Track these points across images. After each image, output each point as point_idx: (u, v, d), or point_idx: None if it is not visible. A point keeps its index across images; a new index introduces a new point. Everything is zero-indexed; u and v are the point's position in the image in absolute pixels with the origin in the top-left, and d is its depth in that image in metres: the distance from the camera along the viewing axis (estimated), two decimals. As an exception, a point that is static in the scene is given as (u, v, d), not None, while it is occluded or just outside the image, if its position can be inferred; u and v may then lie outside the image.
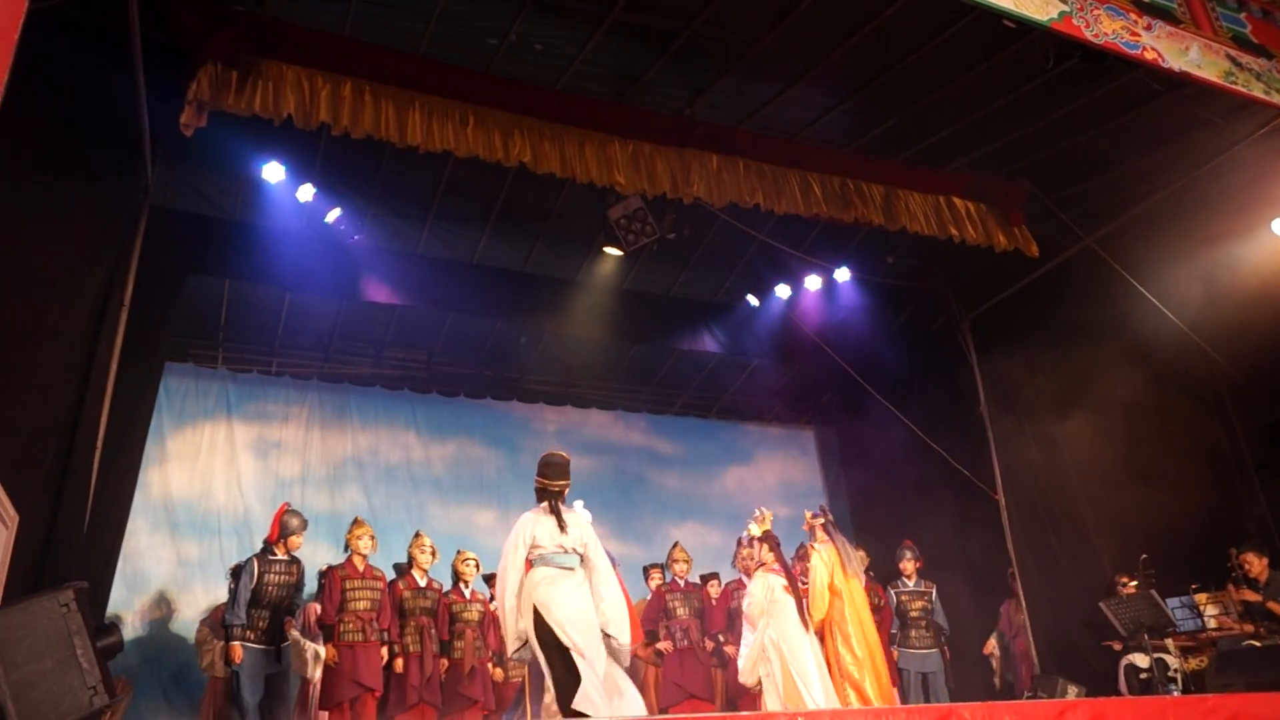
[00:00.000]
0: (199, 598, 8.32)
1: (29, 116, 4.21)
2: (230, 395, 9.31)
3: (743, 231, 8.30)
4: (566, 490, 5.27)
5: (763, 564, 6.57)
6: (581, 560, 5.01)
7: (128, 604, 8.06)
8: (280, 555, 6.40)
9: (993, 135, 7.64)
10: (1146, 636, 6.23)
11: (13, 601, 2.97)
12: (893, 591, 7.98)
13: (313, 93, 5.82)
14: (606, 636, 4.79)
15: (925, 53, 6.55)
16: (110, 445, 6.05)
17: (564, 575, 4.88)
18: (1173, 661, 6.52)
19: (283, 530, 6.44)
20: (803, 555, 6.85)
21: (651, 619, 7.88)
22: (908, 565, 8.01)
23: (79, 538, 5.46)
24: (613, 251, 8.42)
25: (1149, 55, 5.37)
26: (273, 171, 7.26)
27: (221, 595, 7.56)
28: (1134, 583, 6.97)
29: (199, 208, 7.74)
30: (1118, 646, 7.02)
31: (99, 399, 5.83)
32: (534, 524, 5.03)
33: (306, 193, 7.49)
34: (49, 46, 4.33)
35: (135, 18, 5.01)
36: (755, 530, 6.79)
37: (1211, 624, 6.74)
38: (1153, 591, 6.39)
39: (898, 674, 7.63)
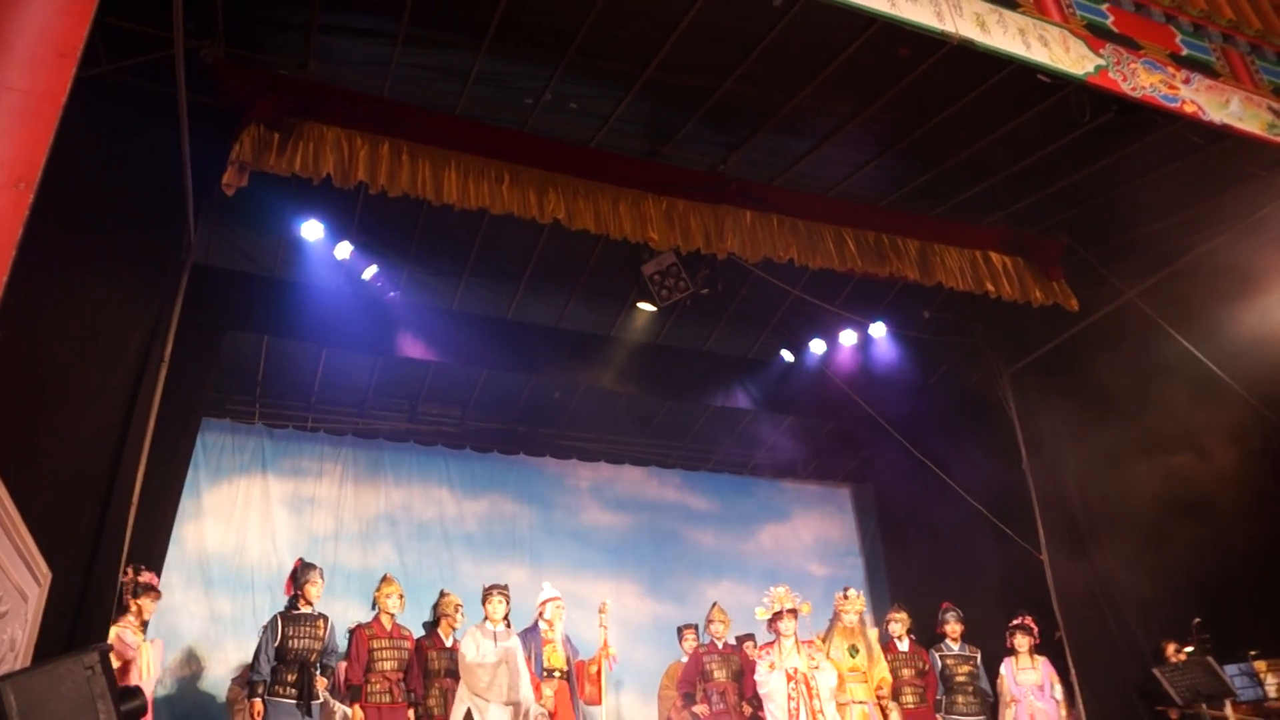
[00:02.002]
0: (230, 655, 8.27)
1: (77, 178, 4.31)
2: (266, 451, 9.36)
3: (777, 287, 8.27)
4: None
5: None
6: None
7: (160, 661, 8.02)
8: (303, 610, 6.36)
9: (1029, 189, 7.59)
10: (1205, 706, 5.96)
11: (38, 663, 2.94)
12: (937, 655, 7.72)
13: (351, 152, 5.92)
14: None
15: (960, 107, 6.54)
16: (146, 500, 6.08)
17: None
18: (1234, 732, 6.23)
19: (295, 583, 6.42)
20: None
21: (689, 681, 7.69)
22: (953, 628, 7.77)
23: (112, 595, 5.45)
24: (646, 307, 8.41)
25: (1188, 108, 5.31)
26: (311, 230, 7.37)
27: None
28: (1186, 648, 6.69)
29: (239, 265, 7.87)
30: (1174, 715, 6.72)
31: (136, 454, 5.87)
32: None
33: (344, 250, 7.59)
34: (98, 110, 4.46)
35: (182, 83, 5.15)
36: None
37: (1273, 693, 6.45)
38: (1209, 658, 6.13)
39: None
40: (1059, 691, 7.46)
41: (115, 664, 5.22)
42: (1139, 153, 6.88)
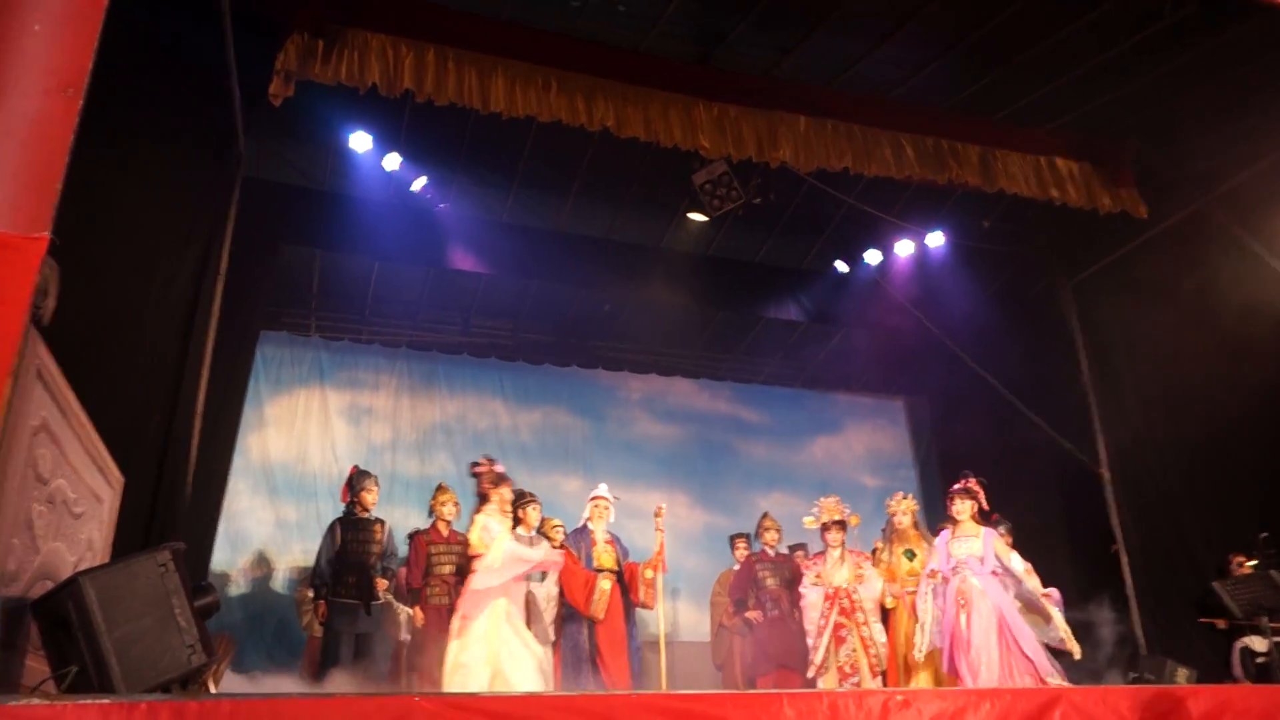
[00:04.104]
0: (297, 558, 8.59)
1: (123, 92, 4.30)
2: (323, 363, 9.55)
3: (831, 195, 8.06)
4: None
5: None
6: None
7: (231, 563, 8.39)
8: (360, 515, 6.55)
9: (1100, 90, 7.21)
10: (1265, 619, 5.89)
11: (114, 561, 3.07)
12: (987, 567, 7.71)
13: (396, 60, 5.85)
14: None
15: (1027, 2, 6.19)
16: (210, 411, 6.26)
17: None
18: (1293, 646, 6.16)
19: (352, 491, 6.59)
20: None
21: (741, 589, 7.81)
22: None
23: (182, 500, 5.66)
24: (697, 217, 8.29)
25: (1282, -7, 4.95)
26: (360, 141, 7.36)
27: (319, 557, 7.81)
28: (1251, 562, 6.59)
29: (289, 178, 7.90)
30: (1220, 625, 6.65)
31: (198, 366, 6.02)
32: None
33: (393, 161, 7.58)
34: (139, 21, 4.41)
35: (226, -11, 5.08)
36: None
37: (1336, 607, 6.34)
38: (1272, 571, 6.04)
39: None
40: (1015, 562, 5.98)
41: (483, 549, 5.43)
42: (1220, 48, 6.47)
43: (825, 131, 6.99)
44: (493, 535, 5.42)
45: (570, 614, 6.53)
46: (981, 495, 6.29)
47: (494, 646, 5.16)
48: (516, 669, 5.15)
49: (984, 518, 6.29)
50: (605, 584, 6.51)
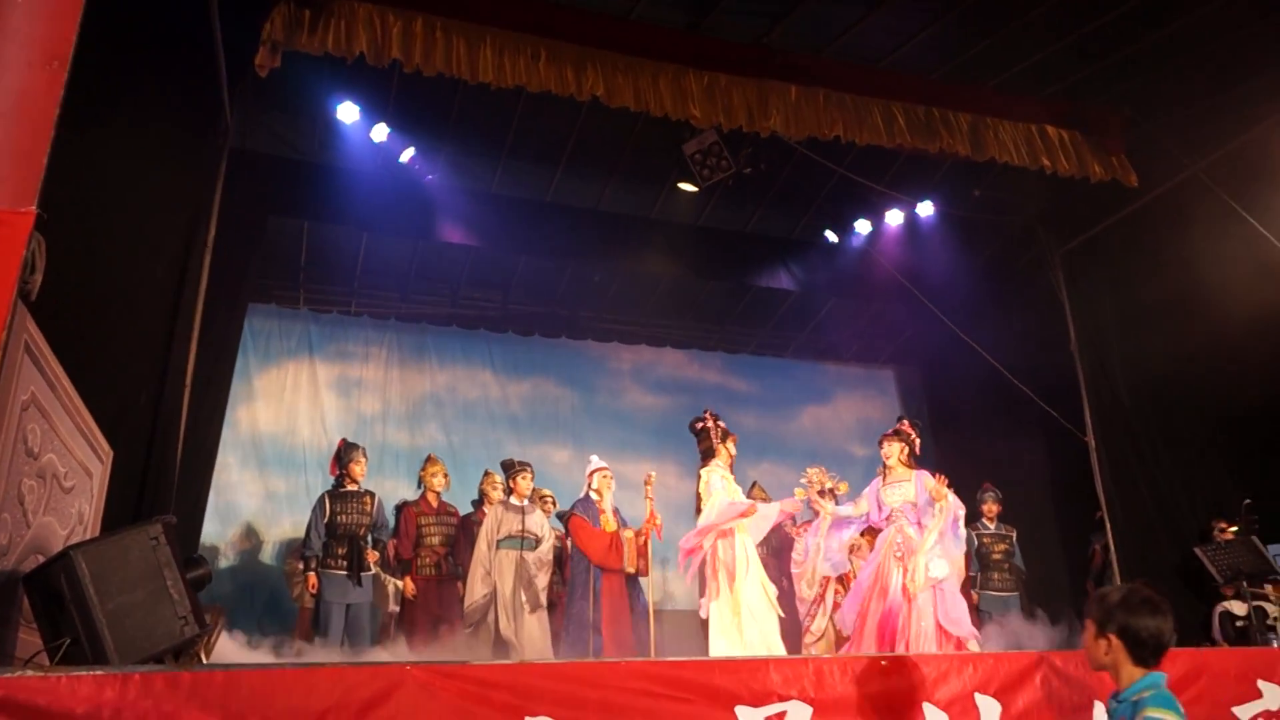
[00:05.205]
0: (287, 530, 8.63)
1: (107, 65, 4.24)
2: (312, 335, 9.53)
3: (822, 165, 8.04)
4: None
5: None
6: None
7: (221, 535, 8.41)
8: (349, 488, 6.58)
9: (1090, 58, 7.19)
10: (1245, 584, 5.99)
11: (106, 534, 3.08)
12: (973, 534, 7.80)
13: (384, 30, 5.79)
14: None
15: (1020, -31, 6.16)
16: (199, 384, 6.23)
17: None
18: (1272, 610, 6.27)
19: (340, 464, 6.62)
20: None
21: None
22: (990, 508, 7.82)
23: (172, 473, 5.66)
24: (687, 187, 8.26)
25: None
26: (347, 112, 7.29)
27: (309, 529, 7.83)
28: (1233, 528, 6.68)
29: (276, 150, 7.83)
30: (1229, 593, 6.75)
31: (187, 339, 5.99)
32: None
33: (380, 133, 7.51)
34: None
35: (208, -43, 5.00)
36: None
37: (1316, 572, 6.44)
38: (1253, 537, 6.13)
39: (978, 616, 7.51)
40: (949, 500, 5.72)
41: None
42: (1214, 14, 6.45)
43: (816, 100, 6.94)
44: (712, 491, 5.49)
45: (575, 583, 6.59)
46: (915, 438, 6.06)
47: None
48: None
49: (917, 461, 6.10)
50: (628, 534, 6.63)
